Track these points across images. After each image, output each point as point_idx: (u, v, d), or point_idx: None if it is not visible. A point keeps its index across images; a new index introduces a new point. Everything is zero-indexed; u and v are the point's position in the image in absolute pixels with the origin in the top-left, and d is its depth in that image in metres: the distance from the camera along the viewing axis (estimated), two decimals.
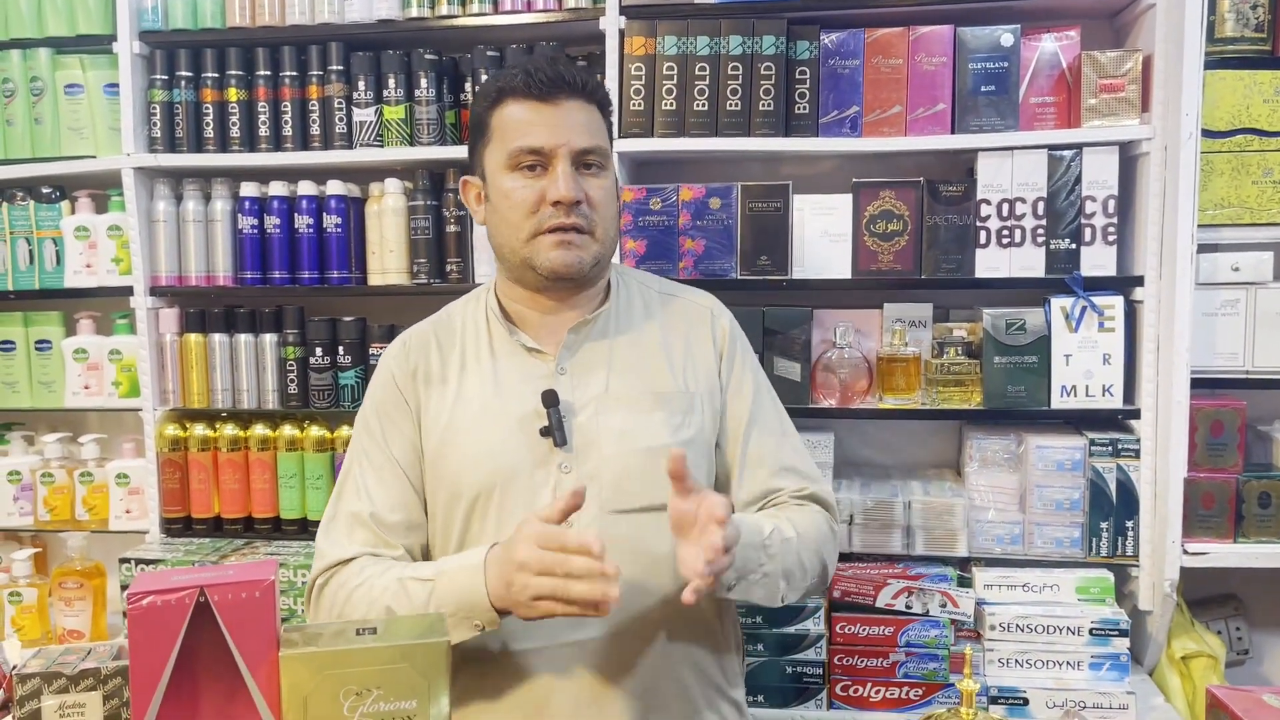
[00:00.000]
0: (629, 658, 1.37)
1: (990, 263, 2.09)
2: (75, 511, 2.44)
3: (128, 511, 2.42)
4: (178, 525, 2.40)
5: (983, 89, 2.09)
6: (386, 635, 0.92)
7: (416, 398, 1.46)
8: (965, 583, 2.08)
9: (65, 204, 2.43)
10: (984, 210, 2.09)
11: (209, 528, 2.39)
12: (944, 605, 2.02)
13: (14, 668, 1.31)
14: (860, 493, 2.15)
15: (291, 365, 2.34)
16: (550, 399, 1.37)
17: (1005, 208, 2.08)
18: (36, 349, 2.45)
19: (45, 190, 2.42)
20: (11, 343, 2.45)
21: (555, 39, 2.22)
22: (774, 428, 1.52)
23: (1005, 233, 2.09)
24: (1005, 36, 2.08)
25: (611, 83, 2.16)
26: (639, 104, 2.16)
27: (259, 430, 2.36)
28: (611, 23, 2.15)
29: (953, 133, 2.10)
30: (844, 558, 2.13)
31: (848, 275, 2.14)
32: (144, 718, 0.89)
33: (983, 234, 2.09)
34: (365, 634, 0.93)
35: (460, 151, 2.25)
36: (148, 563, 2.24)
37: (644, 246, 2.17)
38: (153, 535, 2.40)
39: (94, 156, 2.37)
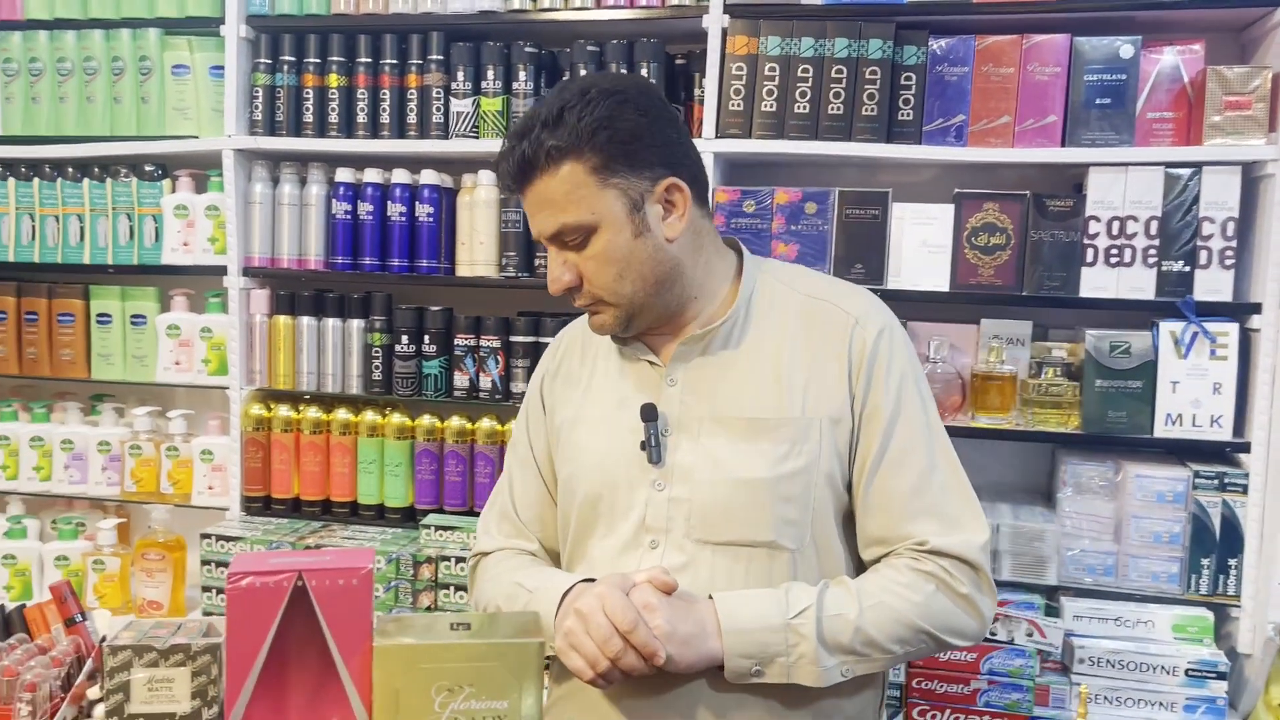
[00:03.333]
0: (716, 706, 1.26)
1: (1096, 282, 2.02)
2: (160, 485, 2.48)
3: (210, 488, 2.45)
4: (257, 504, 2.42)
5: (1098, 102, 2.01)
6: (480, 632, 0.90)
7: (553, 396, 1.46)
8: (1053, 612, 2.00)
9: (166, 182, 2.47)
10: (1093, 227, 2.01)
11: (288, 508, 2.42)
12: (1030, 634, 1.95)
13: (103, 639, 1.32)
14: None
15: (377, 352, 2.35)
16: (648, 413, 1.31)
17: (1115, 226, 2.00)
18: (132, 323, 2.50)
19: (148, 168, 2.47)
20: (109, 316, 2.50)
21: (656, 35, 2.20)
22: (914, 462, 1.29)
23: (1114, 252, 2.01)
24: (1125, 48, 2.00)
25: (711, 82, 2.13)
26: (738, 104, 2.12)
27: (341, 414, 2.38)
28: (715, 21, 2.12)
29: (1063, 146, 2.03)
30: None
31: (945, 288, 2.08)
32: (238, 697, 0.88)
33: (1090, 252, 2.01)
34: (459, 629, 0.91)
35: None
36: (227, 539, 2.26)
37: None
38: (233, 513, 2.43)
39: (196, 137, 2.41)
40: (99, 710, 1.20)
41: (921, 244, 2.09)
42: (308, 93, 2.35)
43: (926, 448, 1.30)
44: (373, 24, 2.31)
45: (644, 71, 2.18)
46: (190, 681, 1.16)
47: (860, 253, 2.09)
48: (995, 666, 1.94)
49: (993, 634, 1.96)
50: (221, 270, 2.40)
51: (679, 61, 2.27)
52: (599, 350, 1.43)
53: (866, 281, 2.09)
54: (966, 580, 1.26)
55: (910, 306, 2.14)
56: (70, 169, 2.49)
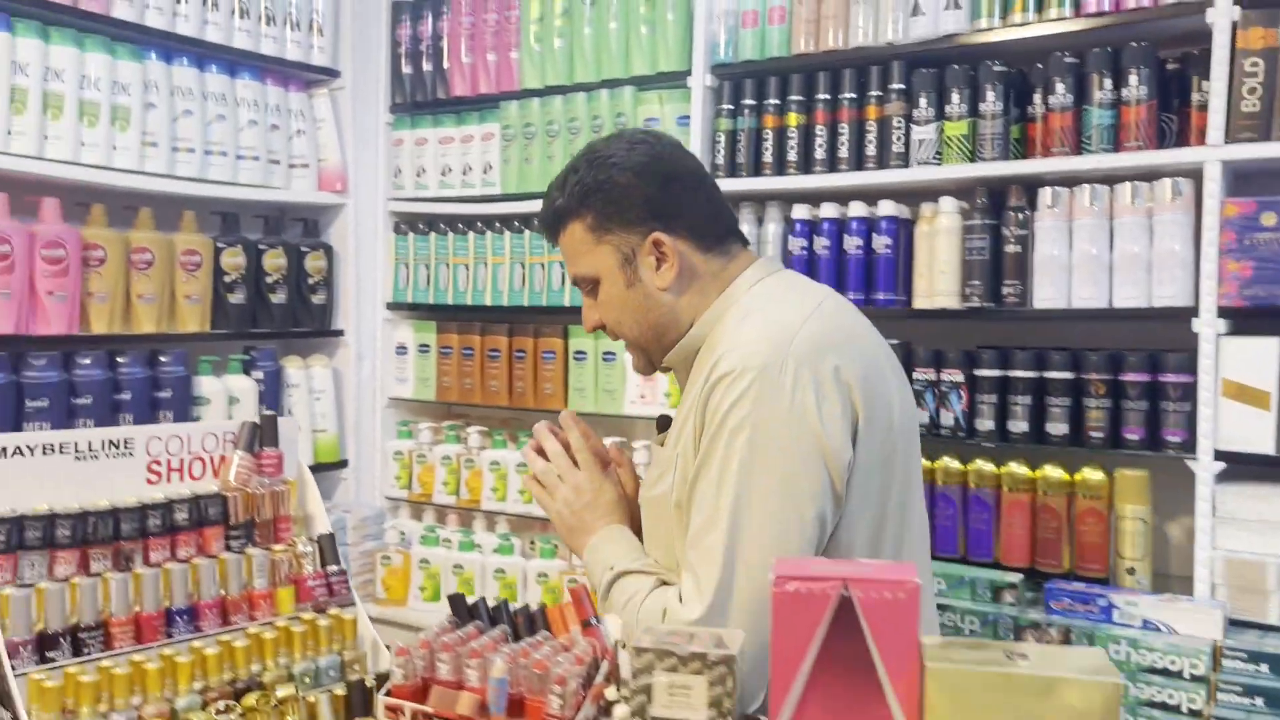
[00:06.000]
0: None
1: None
2: None
3: None
4: None
5: None
6: (1043, 664, 0.81)
7: None
8: None
9: None
10: None
11: None
12: None
13: (616, 642, 1.38)
14: None
15: None
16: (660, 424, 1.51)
17: None
18: (603, 359, 2.70)
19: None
20: (584, 353, 2.72)
21: (1146, 39, 2.00)
22: (696, 515, 1.29)
23: None
24: None
25: (1219, 83, 1.89)
26: (1253, 104, 1.86)
27: None
28: (1222, 14, 1.88)
29: None
30: None
31: None
32: (783, 700, 0.86)
33: None
34: (1016, 658, 0.83)
35: (1024, 167, 2.11)
36: None
37: (1250, 269, 1.87)
38: None
39: None
40: (618, 711, 1.25)
41: None
42: (767, 133, 2.41)
43: (711, 505, 1.27)
44: (832, 60, 2.33)
45: (1133, 79, 1.99)
46: (707, 690, 1.17)
47: None
48: None
49: None
50: None
51: (1170, 66, 2.05)
52: None
53: None
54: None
55: None
56: None
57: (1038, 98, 2.12)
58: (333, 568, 1.56)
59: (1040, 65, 2.11)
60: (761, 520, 1.23)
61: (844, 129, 2.32)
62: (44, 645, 1.27)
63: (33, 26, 2.28)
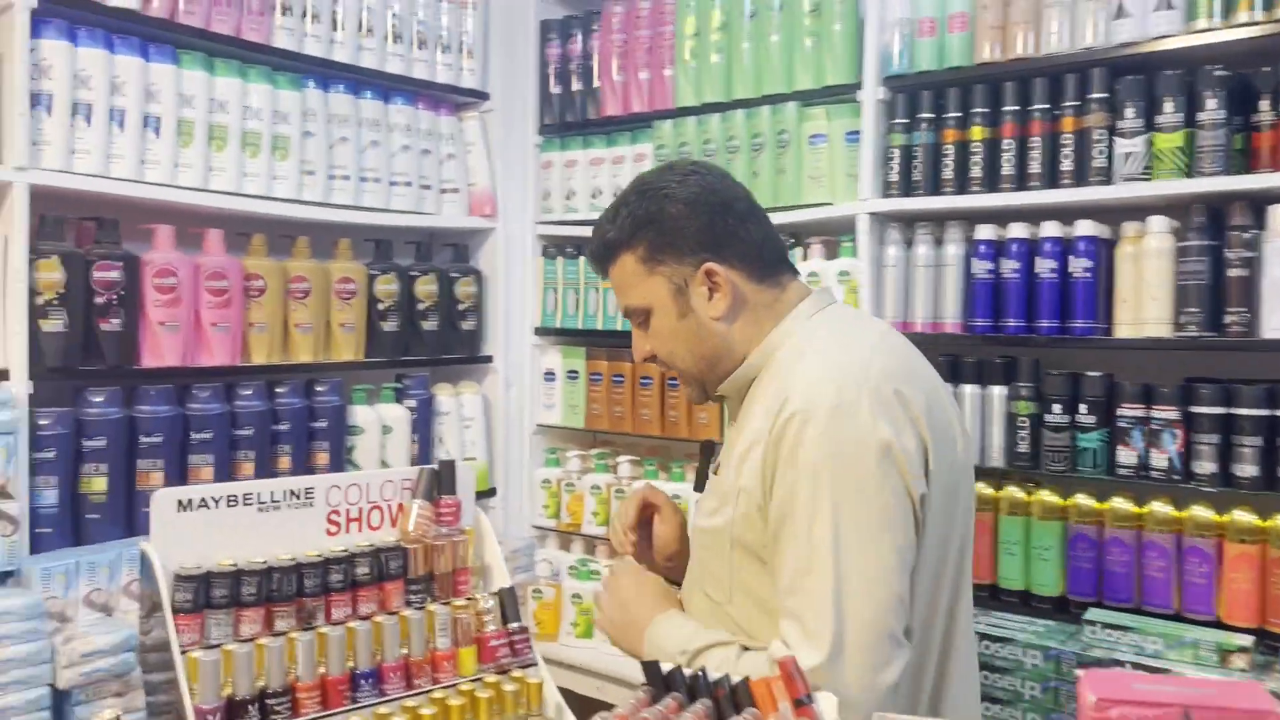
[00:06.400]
0: None
1: None
2: None
3: None
4: None
5: None
6: None
7: None
8: None
9: (799, 250, 2.52)
10: None
11: None
12: None
13: None
14: None
15: (1023, 421, 2.14)
16: (704, 448, 1.53)
17: None
18: None
19: (783, 237, 2.53)
20: None
21: None
22: (790, 559, 1.24)
23: None
24: None
25: None
26: None
27: (979, 488, 2.21)
28: None
29: None
30: None
31: None
32: None
33: None
34: None
35: (1253, 182, 1.90)
36: None
37: None
38: None
39: (830, 204, 2.42)
40: None
41: None
42: (947, 149, 2.25)
43: (805, 548, 1.23)
44: (1021, 69, 2.15)
45: None
46: None
47: None
48: None
49: None
50: None
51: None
52: None
53: None
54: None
55: None
56: None
57: (1265, 105, 1.91)
58: (514, 625, 1.46)
59: (1269, 69, 1.90)
60: (862, 554, 1.22)
61: (1035, 143, 2.14)
62: (232, 713, 1.21)
63: (198, 59, 2.28)
